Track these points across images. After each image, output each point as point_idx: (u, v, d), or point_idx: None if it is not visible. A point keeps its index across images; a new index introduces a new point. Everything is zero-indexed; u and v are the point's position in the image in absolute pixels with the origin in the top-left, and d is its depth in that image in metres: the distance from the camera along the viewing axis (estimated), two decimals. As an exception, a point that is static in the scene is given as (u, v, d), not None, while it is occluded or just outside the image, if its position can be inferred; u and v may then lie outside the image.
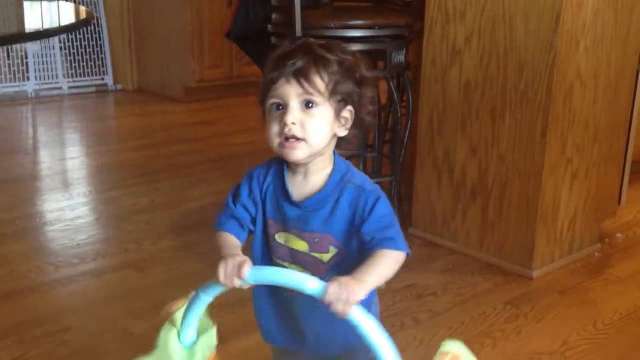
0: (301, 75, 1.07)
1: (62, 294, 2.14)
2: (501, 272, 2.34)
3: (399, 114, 2.59)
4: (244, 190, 1.16)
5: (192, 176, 3.26)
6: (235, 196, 1.17)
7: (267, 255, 1.19)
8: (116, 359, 1.78)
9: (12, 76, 4.79)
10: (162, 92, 4.94)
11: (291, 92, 1.07)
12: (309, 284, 0.99)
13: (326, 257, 1.15)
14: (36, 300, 2.08)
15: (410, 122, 2.60)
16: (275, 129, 1.08)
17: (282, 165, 1.15)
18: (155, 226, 2.67)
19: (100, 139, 4.01)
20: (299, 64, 1.08)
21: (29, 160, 3.58)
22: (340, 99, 1.10)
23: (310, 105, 1.08)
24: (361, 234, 1.10)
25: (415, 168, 2.59)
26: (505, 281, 2.28)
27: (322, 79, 1.08)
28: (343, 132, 1.13)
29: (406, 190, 2.70)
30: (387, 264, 1.06)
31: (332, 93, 1.09)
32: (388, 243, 1.08)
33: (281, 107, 1.08)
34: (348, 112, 1.12)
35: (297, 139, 1.07)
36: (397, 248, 1.08)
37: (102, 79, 5.10)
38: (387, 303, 2.08)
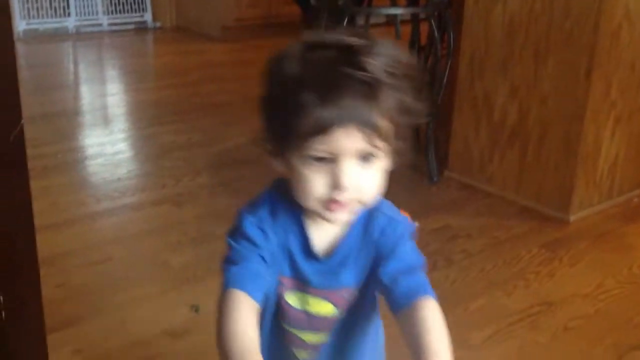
0: (367, 125, 0.79)
1: (102, 226, 2.20)
2: (537, 216, 2.32)
3: (439, 54, 2.55)
4: (256, 233, 0.87)
5: (228, 115, 3.27)
6: (246, 240, 0.87)
7: (274, 319, 0.94)
8: (155, 288, 1.83)
9: (53, 12, 4.83)
10: (199, 31, 4.93)
11: (348, 146, 0.80)
12: None
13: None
14: (78, 231, 2.14)
15: (450, 62, 2.56)
16: (318, 187, 0.82)
17: (293, 208, 0.88)
18: (192, 163, 2.71)
19: (138, 76, 4.04)
20: (361, 107, 0.78)
21: (70, 95, 3.64)
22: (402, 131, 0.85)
23: (370, 158, 0.82)
24: (381, 274, 0.86)
25: (453, 110, 2.56)
26: (541, 225, 2.27)
27: (388, 118, 0.81)
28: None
29: (443, 133, 2.68)
30: (442, 321, 0.81)
31: (397, 132, 0.83)
32: (426, 289, 0.84)
33: (326, 159, 0.81)
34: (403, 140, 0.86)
35: (350, 201, 0.84)
36: (434, 296, 0.84)
37: (141, 16, 5.11)
38: (420, 244, 2.08)
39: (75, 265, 1.92)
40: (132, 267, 1.95)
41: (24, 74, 3.88)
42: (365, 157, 0.82)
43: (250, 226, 0.87)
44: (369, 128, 0.79)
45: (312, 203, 0.83)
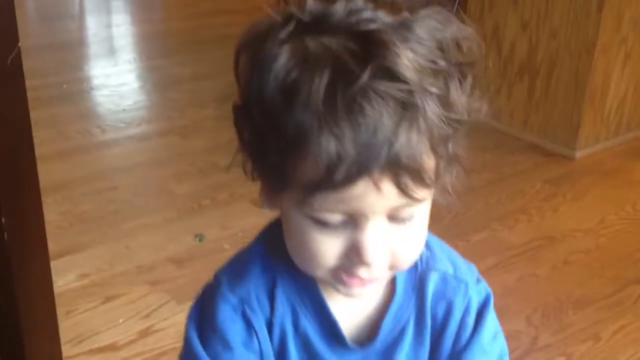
0: (406, 170, 0.51)
1: (108, 155, 2.21)
2: (543, 152, 2.31)
3: (449, -14, 2.49)
4: (235, 328, 0.60)
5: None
6: (219, 339, 0.60)
7: None
8: (160, 217, 1.85)
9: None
10: (207, -39, 4.83)
11: (376, 205, 0.53)
12: None
13: None
14: (84, 160, 2.15)
15: (460, -6, 2.51)
16: (327, 257, 0.56)
17: (300, 270, 0.60)
18: (198, 95, 2.70)
19: (145, 7, 3.99)
20: (394, 141, 0.50)
21: (75, 26, 3.60)
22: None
23: (409, 214, 0.56)
24: None
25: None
26: (546, 161, 2.26)
27: (436, 148, 0.53)
28: None
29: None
30: None
31: (447, 162, 0.56)
32: None
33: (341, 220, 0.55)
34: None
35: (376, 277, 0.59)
36: None
37: (148, -54, 5.00)
38: (424, 177, 2.09)
39: (81, 193, 1.94)
40: (138, 196, 1.97)
41: (30, 4, 3.84)
42: (402, 214, 0.55)
43: (226, 315, 0.60)
44: (409, 173, 0.51)
45: (319, 273, 0.58)
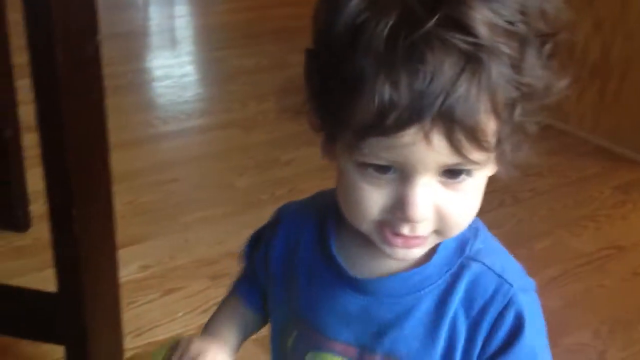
0: (463, 127, 0.49)
1: (169, 147, 2.23)
2: (612, 156, 2.23)
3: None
4: (249, 247, 0.75)
5: (297, 41, 3.19)
6: (252, 248, 0.75)
7: None
8: (219, 210, 1.85)
9: None
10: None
11: (428, 158, 0.52)
12: None
13: None
14: (146, 150, 2.17)
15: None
16: (373, 207, 0.55)
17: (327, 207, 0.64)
18: (259, 88, 2.69)
19: (207, -2, 4.01)
20: (455, 94, 0.48)
21: (139, 15, 3.64)
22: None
23: (461, 175, 0.54)
24: None
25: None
26: (616, 166, 2.18)
27: (498, 111, 0.51)
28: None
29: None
30: None
31: (511, 129, 0.53)
32: None
33: (391, 169, 0.53)
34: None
35: (422, 236, 0.56)
36: None
37: (211, -63, 5.03)
38: (488, 179, 2.04)
39: (143, 183, 1.95)
40: (198, 189, 1.97)
41: (95, -7, 3.90)
42: (454, 173, 0.53)
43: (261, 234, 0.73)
44: (463, 129, 0.49)
45: (364, 227, 0.57)
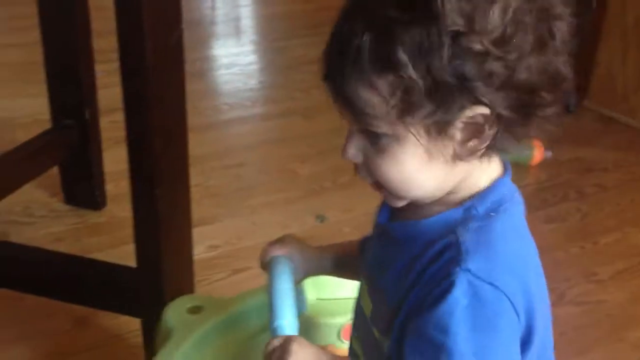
0: (341, 98, 0.60)
1: (236, 132, 2.29)
2: (681, 153, 2.19)
3: (589, -25, 2.39)
4: None
5: (360, 31, 3.24)
6: None
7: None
8: (283, 196, 1.90)
9: None
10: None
11: (344, 114, 0.63)
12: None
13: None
14: (214, 135, 2.24)
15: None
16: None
17: None
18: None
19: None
20: (335, 62, 0.59)
21: (207, 4, 3.72)
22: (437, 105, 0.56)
23: (376, 137, 0.61)
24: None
25: (599, 36, 2.41)
26: (684, 163, 2.14)
27: (373, 86, 0.57)
28: (476, 156, 0.60)
29: (584, 60, 2.54)
30: None
31: (406, 108, 0.57)
32: None
33: None
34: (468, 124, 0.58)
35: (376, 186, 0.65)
36: None
37: None
38: (551, 172, 2.04)
39: (211, 167, 2.02)
40: (263, 174, 2.02)
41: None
42: (371, 135, 0.60)
43: None
44: (343, 100, 0.59)
45: None
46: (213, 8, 3.68)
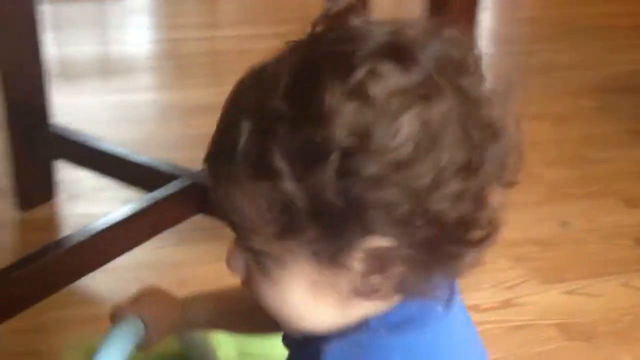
0: (219, 207, 0.50)
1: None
2: None
3: None
4: None
5: (614, 40, 3.09)
6: None
7: None
8: (527, 198, 1.87)
9: None
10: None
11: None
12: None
13: None
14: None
15: None
16: None
17: None
18: (572, 83, 2.65)
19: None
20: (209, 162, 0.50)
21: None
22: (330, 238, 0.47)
23: (260, 260, 0.51)
24: None
25: None
26: None
27: (246, 194, 0.47)
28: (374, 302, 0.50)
29: None
30: None
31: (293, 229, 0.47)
32: None
33: None
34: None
35: None
36: None
37: None
38: None
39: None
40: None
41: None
42: (254, 254, 0.50)
43: None
44: (224, 211, 0.49)
45: None
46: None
